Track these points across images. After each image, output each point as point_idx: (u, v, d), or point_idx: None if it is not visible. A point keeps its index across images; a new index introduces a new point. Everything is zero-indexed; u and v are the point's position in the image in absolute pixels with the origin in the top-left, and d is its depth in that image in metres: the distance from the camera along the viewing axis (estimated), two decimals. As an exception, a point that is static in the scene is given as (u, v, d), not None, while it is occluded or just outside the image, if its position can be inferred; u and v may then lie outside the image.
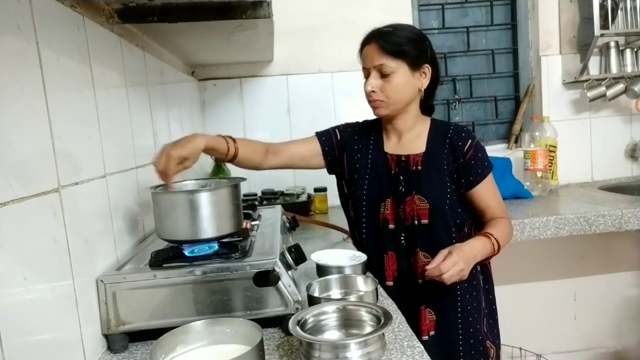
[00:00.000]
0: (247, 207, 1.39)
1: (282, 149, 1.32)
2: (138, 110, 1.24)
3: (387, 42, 1.19)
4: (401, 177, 1.26)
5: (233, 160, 1.20)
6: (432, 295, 1.23)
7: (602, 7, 2.09)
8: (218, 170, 2.09)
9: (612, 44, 2.25)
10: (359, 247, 1.33)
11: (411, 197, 1.23)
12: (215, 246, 0.98)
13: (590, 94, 2.23)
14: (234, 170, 2.14)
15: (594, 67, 2.30)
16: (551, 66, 2.34)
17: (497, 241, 1.19)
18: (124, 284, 0.89)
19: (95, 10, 1.01)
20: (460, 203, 1.26)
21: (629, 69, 2.26)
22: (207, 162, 2.15)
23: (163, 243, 1.03)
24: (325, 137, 1.37)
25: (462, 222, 1.27)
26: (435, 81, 1.28)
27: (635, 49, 2.27)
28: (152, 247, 1.02)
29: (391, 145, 1.31)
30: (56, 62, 0.80)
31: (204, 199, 0.97)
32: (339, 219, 1.93)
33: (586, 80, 2.25)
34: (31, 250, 0.68)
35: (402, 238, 1.25)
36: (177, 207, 0.97)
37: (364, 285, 1.05)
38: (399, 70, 1.19)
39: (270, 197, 2.01)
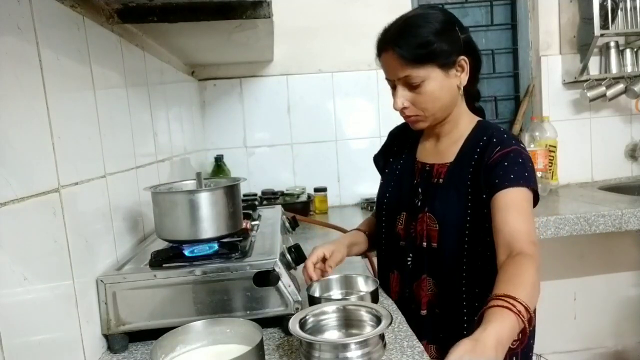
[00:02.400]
0: (247, 207, 1.39)
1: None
2: (138, 110, 1.24)
3: (405, 48, 0.96)
4: (420, 189, 1.08)
5: (369, 246, 1.23)
6: (437, 331, 1.05)
7: (602, 7, 2.09)
8: (218, 170, 2.10)
9: (612, 44, 2.25)
10: (378, 258, 1.23)
11: (423, 215, 1.05)
12: (215, 246, 0.98)
13: (590, 94, 2.23)
14: (234, 170, 2.15)
15: (594, 67, 2.30)
16: (551, 66, 2.34)
17: (525, 308, 0.75)
18: (124, 284, 0.89)
19: (95, 10, 1.01)
20: (483, 226, 1.00)
21: (629, 69, 2.25)
22: (207, 162, 2.15)
23: (163, 243, 1.03)
24: (377, 160, 1.27)
25: (482, 247, 1.01)
26: (476, 67, 1.05)
27: (635, 49, 2.27)
28: (152, 247, 1.02)
29: (424, 151, 1.13)
30: (56, 62, 0.80)
31: (204, 199, 0.97)
32: (339, 219, 1.93)
33: (586, 80, 2.24)
34: (31, 250, 0.68)
35: (410, 259, 1.09)
36: (177, 207, 0.97)
37: (364, 285, 1.05)
38: (430, 76, 0.98)
39: (270, 197, 2.01)
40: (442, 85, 0.99)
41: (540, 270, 0.85)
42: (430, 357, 0.92)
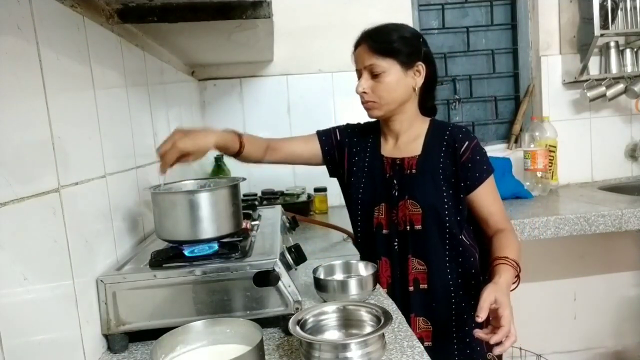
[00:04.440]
0: (247, 207, 1.39)
1: (281, 146, 1.31)
2: (138, 110, 1.24)
3: (376, 41, 1.17)
4: (395, 181, 1.23)
5: (237, 155, 1.20)
6: (427, 305, 1.20)
7: (602, 7, 2.09)
8: (218, 170, 2.10)
9: (612, 44, 2.25)
10: (358, 251, 1.34)
11: (404, 202, 1.20)
12: (215, 246, 0.98)
13: (590, 94, 2.23)
14: (234, 170, 2.15)
15: (594, 67, 2.30)
16: (551, 66, 2.34)
17: (517, 264, 1.10)
18: (124, 284, 0.89)
19: (95, 10, 1.01)
20: (458, 209, 1.20)
21: (629, 69, 2.26)
22: (207, 162, 2.15)
23: (163, 243, 1.03)
24: (325, 137, 1.35)
25: (458, 228, 1.21)
26: (432, 80, 1.24)
27: (635, 49, 2.27)
28: (152, 247, 1.02)
29: (388, 148, 1.28)
30: (56, 62, 0.80)
31: (204, 199, 0.97)
32: (339, 219, 1.93)
33: (586, 80, 2.24)
34: (31, 250, 0.68)
35: (396, 244, 1.22)
36: (177, 208, 0.97)
37: (364, 270, 1.12)
38: (391, 69, 1.16)
39: (270, 197, 2.01)
40: (399, 80, 1.18)
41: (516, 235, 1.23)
42: (419, 329, 1.20)
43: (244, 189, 2.03)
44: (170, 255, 0.95)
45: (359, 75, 1.22)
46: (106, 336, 0.89)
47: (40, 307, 0.69)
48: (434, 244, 1.19)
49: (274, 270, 0.91)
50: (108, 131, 1.01)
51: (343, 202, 2.31)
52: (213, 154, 2.12)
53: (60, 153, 0.78)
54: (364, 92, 1.20)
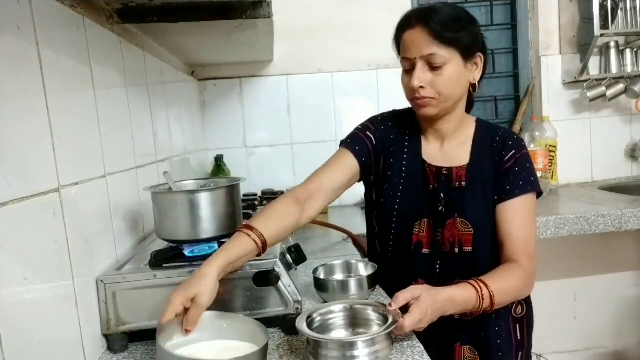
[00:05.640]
0: (247, 207, 1.39)
1: (315, 189, 1.07)
2: (138, 110, 1.24)
3: (441, 26, 0.95)
4: (442, 195, 1.05)
5: (265, 249, 0.91)
6: (473, 332, 1.05)
7: (602, 7, 2.09)
8: (218, 170, 2.10)
9: (612, 44, 2.25)
10: (381, 268, 1.09)
11: (453, 220, 1.03)
12: (215, 246, 0.98)
13: (590, 94, 2.22)
14: (234, 170, 2.15)
15: (594, 67, 2.30)
16: (551, 66, 2.34)
17: (490, 296, 0.91)
18: (124, 284, 0.89)
19: (95, 10, 1.01)
20: None
21: (629, 69, 2.25)
22: (207, 162, 2.15)
23: (163, 243, 1.03)
24: (359, 147, 1.11)
25: None
26: (483, 72, 1.07)
27: (635, 49, 2.27)
28: (152, 247, 1.02)
29: (431, 152, 1.09)
30: (56, 62, 0.80)
31: (204, 199, 0.97)
32: (339, 219, 1.93)
33: (586, 80, 2.24)
34: (31, 250, 0.68)
35: (438, 266, 1.05)
36: (177, 207, 0.97)
37: (364, 270, 1.12)
38: (452, 61, 0.97)
39: (270, 197, 2.00)
40: (460, 73, 0.99)
41: (530, 280, 0.99)
42: (463, 357, 1.06)
43: (244, 189, 2.03)
44: (170, 255, 0.95)
45: (410, 65, 1.00)
46: (106, 336, 0.89)
47: (40, 307, 0.69)
48: (486, 268, 1.00)
49: (274, 270, 0.91)
50: (108, 131, 1.01)
51: (343, 202, 2.28)
52: (213, 154, 2.13)
53: (60, 153, 0.78)
54: (422, 87, 0.98)
